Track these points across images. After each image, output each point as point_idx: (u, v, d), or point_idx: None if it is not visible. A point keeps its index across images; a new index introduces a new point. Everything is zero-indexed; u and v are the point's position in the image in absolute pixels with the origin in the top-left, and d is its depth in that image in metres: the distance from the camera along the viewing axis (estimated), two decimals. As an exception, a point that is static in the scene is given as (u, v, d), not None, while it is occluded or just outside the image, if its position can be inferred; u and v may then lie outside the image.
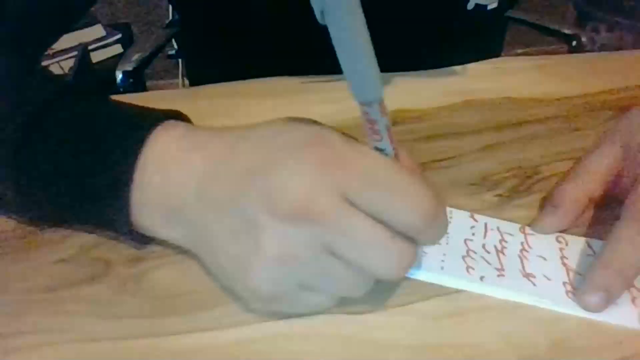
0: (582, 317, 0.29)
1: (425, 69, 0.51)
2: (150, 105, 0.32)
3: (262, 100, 0.47)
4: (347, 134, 0.27)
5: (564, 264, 0.32)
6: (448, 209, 0.35)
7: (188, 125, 0.31)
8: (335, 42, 0.22)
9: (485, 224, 0.35)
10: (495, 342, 0.28)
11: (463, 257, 0.32)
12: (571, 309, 0.30)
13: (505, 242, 0.33)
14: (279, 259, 0.26)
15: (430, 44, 0.60)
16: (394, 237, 0.26)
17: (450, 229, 0.34)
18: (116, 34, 1.59)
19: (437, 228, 0.26)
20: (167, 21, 0.95)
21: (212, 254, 0.29)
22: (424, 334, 0.29)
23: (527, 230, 0.34)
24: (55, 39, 0.47)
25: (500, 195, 0.37)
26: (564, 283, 0.31)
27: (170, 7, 0.95)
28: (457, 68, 0.52)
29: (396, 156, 0.27)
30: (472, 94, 0.48)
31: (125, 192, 0.29)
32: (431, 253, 0.32)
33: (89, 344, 0.28)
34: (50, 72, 0.37)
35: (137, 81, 0.79)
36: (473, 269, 0.31)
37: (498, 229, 0.34)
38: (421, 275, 0.31)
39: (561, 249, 0.33)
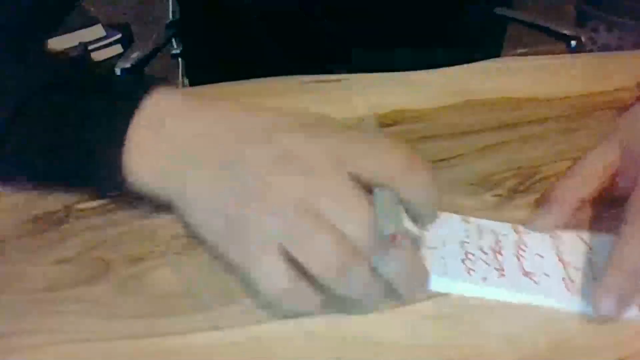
0: (583, 315, 0.29)
1: (425, 69, 0.51)
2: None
3: (262, 100, 0.47)
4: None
5: (561, 260, 0.32)
6: (439, 213, 0.34)
7: (183, 91, 0.33)
8: None
9: (479, 226, 0.34)
10: (495, 342, 0.28)
11: (463, 260, 0.32)
12: (575, 306, 0.30)
13: (501, 242, 0.33)
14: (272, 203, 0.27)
15: (430, 44, 0.60)
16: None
17: (444, 233, 0.33)
18: (116, 34, 1.59)
19: (417, 176, 0.29)
20: (167, 22, 0.95)
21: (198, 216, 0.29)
22: (424, 334, 0.29)
23: (521, 229, 0.34)
24: (51, 30, 0.47)
25: (500, 195, 0.37)
26: (563, 279, 0.31)
27: (171, 7, 0.95)
28: (457, 68, 0.52)
29: None
30: (472, 94, 0.48)
31: (118, 149, 0.30)
32: (431, 258, 0.31)
33: (89, 344, 0.28)
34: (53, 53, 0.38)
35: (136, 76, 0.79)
36: (474, 270, 0.31)
37: (492, 230, 0.34)
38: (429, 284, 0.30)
39: (556, 246, 0.33)
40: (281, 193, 0.27)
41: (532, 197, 0.37)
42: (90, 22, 1.54)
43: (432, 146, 0.42)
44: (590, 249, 0.33)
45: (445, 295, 0.30)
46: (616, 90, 0.48)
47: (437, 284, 0.30)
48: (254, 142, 0.29)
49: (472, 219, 0.35)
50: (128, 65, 0.78)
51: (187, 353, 0.28)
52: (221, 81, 0.50)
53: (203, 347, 0.28)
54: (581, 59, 0.64)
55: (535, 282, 0.31)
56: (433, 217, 0.31)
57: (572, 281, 0.31)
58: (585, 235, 0.34)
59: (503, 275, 0.31)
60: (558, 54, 0.75)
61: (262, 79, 0.50)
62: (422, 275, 0.30)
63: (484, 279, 0.31)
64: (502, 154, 0.41)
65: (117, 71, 0.78)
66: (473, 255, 0.32)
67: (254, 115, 0.30)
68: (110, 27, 1.61)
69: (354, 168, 0.28)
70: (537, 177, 0.39)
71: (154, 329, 0.29)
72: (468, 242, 0.33)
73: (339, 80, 0.50)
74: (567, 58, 0.67)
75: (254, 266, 0.27)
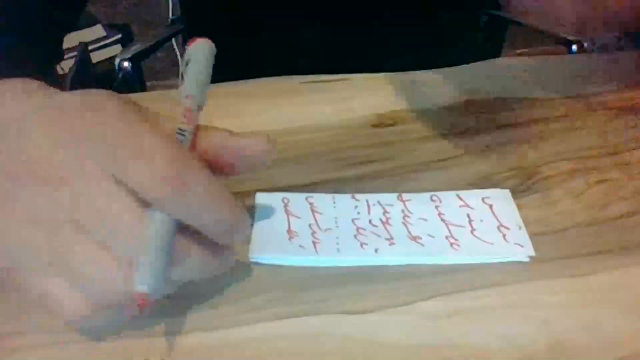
0: (583, 315, 0.29)
1: (425, 69, 0.51)
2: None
3: (262, 100, 0.47)
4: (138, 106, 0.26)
5: (443, 220, 0.35)
6: (331, 195, 0.37)
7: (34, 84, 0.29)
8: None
9: (367, 201, 0.37)
10: (495, 342, 0.28)
11: (355, 236, 0.34)
12: (458, 260, 0.32)
13: (388, 213, 0.36)
14: (24, 220, 0.24)
15: (430, 44, 0.60)
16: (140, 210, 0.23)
17: (337, 213, 0.36)
18: (116, 34, 1.59)
19: (183, 198, 0.23)
20: (167, 22, 0.95)
21: None
22: (424, 334, 0.29)
23: (404, 197, 0.37)
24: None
25: (500, 195, 0.37)
26: (447, 237, 0.34)
27: (171, 7, 0.96)
28: (457, 68, 0.52)
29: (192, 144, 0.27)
30: (472, 94, 0.48)
31: None
32: (326, 240, 0.34)
33: (89, 344, 0.28)
34: None
35: (135, 68, 0.79)
36: (367, 244, 0.33)
37: (379, 202, 0.36)
38: (321, 261, 0.32)
39: (437, 207, 0.36)
40: (41, 210, 0.24)
41: (532, 197, 0.37)
42: (90, 22, 1.54)
43: (432, 146, 0.42)
44: (467, 205, 0.36)
45: (446, 295, 0.30)
46: (616, 90, 0.48)
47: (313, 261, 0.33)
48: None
49: (359, 195, 0.37)
50: (128, 55, 0.79)
51: (187, 353, 0.28)
52: (220, 81, 0.50)
53: (203, 347, 0.28)
54: (581, 59, 0.64)
55: (422, 244, 0.33)
56: (225, 239, 0.26)
57: (455, 238, 0.34)
58: (463, 193, 0.37)
59: (393, 243, 0.33)
60: (558, 54, 0.75)
61: (262, 79, 0.50)
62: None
63: (376, 250, 0.33)
64: (502, 154, 0.41)
65: (117, 60, 0.79)
66: (364, 230, 0.34)
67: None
68: (110, 27, 1.61)
69: (121, 179, 0.23)
70: (537, 177, 0.39)
71: (154, 329, 0.29)
72: (359, 219, 0.35)
73: (338, 80, 0.50)
74: (567, 58, 0.67)
75: (45, 298, 0.25)
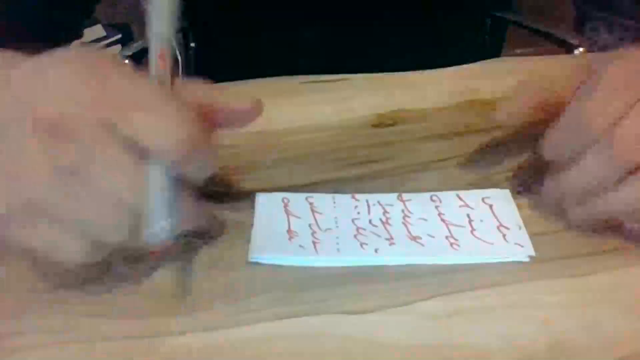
0: (583, 315, 0.29)
1: (425, 69, 0.51)
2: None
3: (262, 100, 0.47)
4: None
5: (443, 220, 0.35)
6: (331, 195, 0.37)
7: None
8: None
9: (367, 201, 0.36)
10: (495, 342, 0.28)
11: (355, 236, 0.34)
12: (458, 260, 0.32)
13: (388, 213, 0.36)
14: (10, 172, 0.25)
15: (430, 44, 0.60)
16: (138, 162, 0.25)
17: (337, 214, 0.36)
18: (116, 34, 1.59)
19: (190, 154, 0.25)
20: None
21: None
22: (424, 334, 0.29)
23: (404, 197, 0.37)
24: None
25: (500, 195, 0.37)
26: (447, 237, 0.34)
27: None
28: (457, 68, 0.52)
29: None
30: (472, 94, 0.48)
31: None
32: (326, 240, 0.34)
33: (89, 344, 0.28)
34: None
35: (136, 66, 0.80)
36: (366, 244, 0.33)
37: (379, 202, 0.36)
38: (321, 261, 0.32)
39: (437, 207, 0.36)
40: (47, 162, 0.25)
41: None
42: (90, 22, 1.54)
43: (432, 146, 0.42)
44: (467, 205, 0.36)
45: (446, 295, 0.30)
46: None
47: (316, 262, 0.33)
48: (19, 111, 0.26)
49: (359, 195, 0.37)
50: (129, 53, 0.80)
51: (186, 353, 0.28)
52: (225, 80, 0.50)
53: (202, 347, 0.28)
54: (580, 58, 0.64)
55: (422, 244, 0.33)
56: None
57: (455, 238, 0.34)
58: (462, 193, 0.37)
59: (393, 243, 0.33)
60: (558, 54, 0.75)
61: (262, 79, 0.50)
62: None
63: (376, 250, 0.33)
64: (502, 154, 0.41)
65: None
66: (364, 230, 0.34)
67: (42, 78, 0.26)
68: (110, 27, 1.61)
69: (126, 133, 0.25)
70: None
71: (154, 329, 0.29)
72: (359, 219, 0.35)
73: (338, 80, 0.50)
74: (567, 58, 0.67)
75: (47, 247, 0.26)
